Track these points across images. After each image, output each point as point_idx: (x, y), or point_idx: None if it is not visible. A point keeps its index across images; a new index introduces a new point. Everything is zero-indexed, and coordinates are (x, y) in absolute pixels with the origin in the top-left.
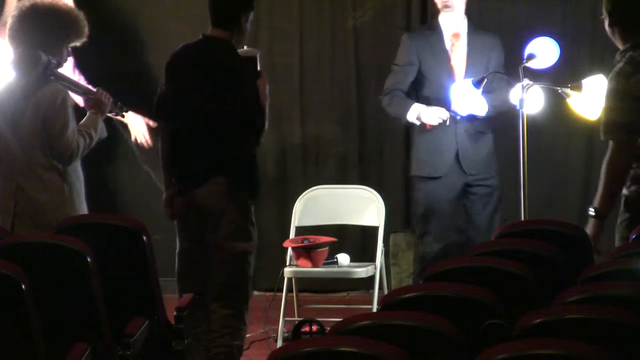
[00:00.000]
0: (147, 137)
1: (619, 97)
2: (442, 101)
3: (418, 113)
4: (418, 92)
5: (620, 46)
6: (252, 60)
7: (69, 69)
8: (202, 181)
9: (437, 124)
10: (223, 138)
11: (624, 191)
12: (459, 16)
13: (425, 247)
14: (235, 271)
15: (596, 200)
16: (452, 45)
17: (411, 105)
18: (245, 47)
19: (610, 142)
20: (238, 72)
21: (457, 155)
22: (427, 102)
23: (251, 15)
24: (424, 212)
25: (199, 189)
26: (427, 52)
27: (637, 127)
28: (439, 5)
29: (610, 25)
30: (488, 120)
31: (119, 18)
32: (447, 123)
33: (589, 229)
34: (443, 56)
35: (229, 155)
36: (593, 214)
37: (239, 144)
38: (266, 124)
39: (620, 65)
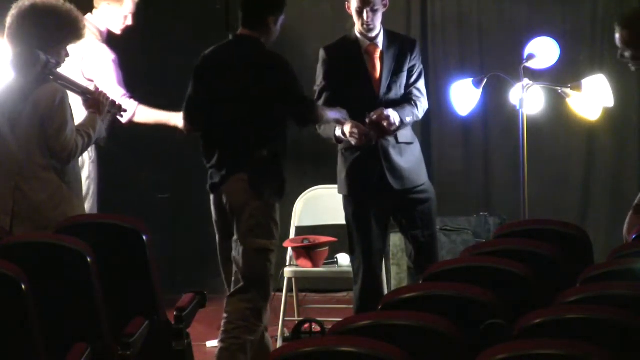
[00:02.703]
0: None
1: None
2: (361, 113)
3: (342, 127)
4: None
5: None
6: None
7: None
8: (227, 178)
9: (360, 143)
10: (249, 135)
11: None
12: (377, 30)
13: (354, 264)
14: (255, 267)
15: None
16: (370, 58)
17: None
18: None
19: None
20: (264, 67)
21: (382, 172)
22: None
23: (281, 19)
24: (350, 231)
25: (224, 185)
26: (344, 65)
27: None
28: (361, 28)
29: (635, 59)
30: (412, 129)
31: None
32: (373, 141)
33: (628, 217)
34: (361, 69)
35: (252, 153)
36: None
37: (263, 140)
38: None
39: None
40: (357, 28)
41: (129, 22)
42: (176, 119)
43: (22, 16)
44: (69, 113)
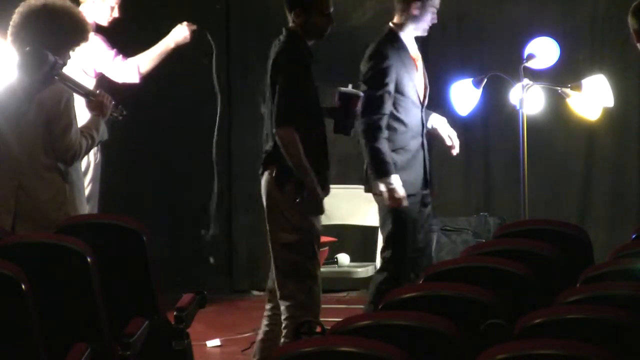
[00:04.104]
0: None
1: None
2: (413, 123)
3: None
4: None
5: None
6: (348, 96)
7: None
8: (263, 173)
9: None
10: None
11: None
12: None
13: (396, 269)
14: (284, 262)
15: None
16: (416, 65)
17: (394, 172)
18: (350, 87)
19: None
20: (277, 61)
21: (424, 173)
22: (400, 123)
23: (316, 12)
24: (395, 234)
25: (261, 179)
26: (402, 69)
27: None
28: (426, 27)
29: None
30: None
31: None
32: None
33: None
34: (413, 75)
35: (280, 148)
36: None
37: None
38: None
39: None
40: (413, 30)
41: (116, 14)
42: (171, 38)
43: (33, 16)
44: (73, 114)
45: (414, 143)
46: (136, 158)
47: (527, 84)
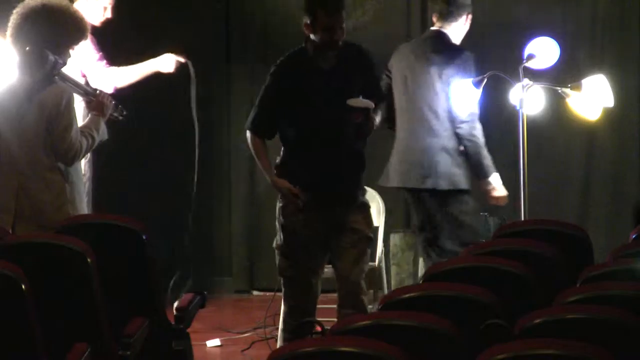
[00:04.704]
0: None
1: None
2: None
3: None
4: None
5: None
6: (351, 109)
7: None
8: None
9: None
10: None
11: None
12: None
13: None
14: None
15: None
16: None
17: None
18: (360, 98)
19: None
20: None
21: None
22: None
23: (317, 21)
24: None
25: None
26: None
27: None
28: (460, 38)
29: None
30: None
31: None
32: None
33: None
34: None
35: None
36: None
37: (282, 144)
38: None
39: None
40: (459, 38)
41: (109, 14)
42: (155, 64)
43: (33, 16)
44: (74, 114)
45: None
46: (136, 158)
47: (527, 84)
